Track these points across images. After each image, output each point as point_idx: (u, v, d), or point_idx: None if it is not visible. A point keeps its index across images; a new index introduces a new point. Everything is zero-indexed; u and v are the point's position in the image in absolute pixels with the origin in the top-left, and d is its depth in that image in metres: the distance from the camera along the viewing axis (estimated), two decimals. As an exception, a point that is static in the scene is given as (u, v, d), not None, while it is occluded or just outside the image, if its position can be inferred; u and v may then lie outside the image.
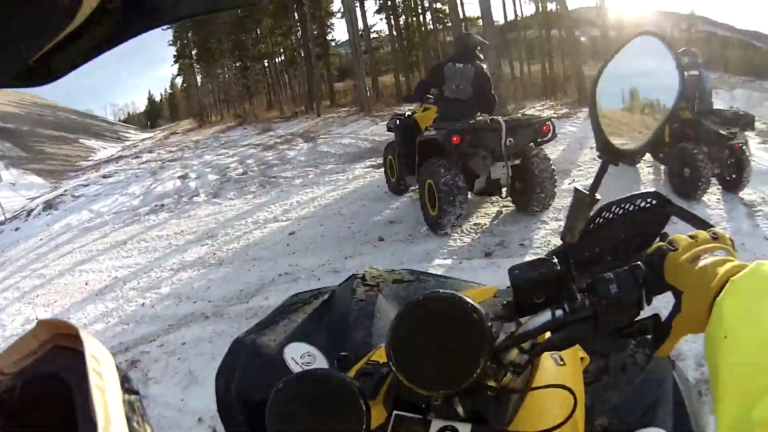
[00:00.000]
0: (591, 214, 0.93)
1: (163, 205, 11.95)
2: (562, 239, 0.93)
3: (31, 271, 11.13)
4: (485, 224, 6.87)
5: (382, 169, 9.08)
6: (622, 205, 1.01)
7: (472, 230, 6.65)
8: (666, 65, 0.94)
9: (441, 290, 0.84)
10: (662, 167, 8.90)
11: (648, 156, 9.14)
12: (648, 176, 9.18)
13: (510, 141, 6.20)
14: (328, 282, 4.99)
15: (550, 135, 6.58)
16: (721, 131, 7.56)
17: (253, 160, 14.78)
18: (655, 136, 0.94)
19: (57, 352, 0.42)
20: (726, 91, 13.45)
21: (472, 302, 0.79)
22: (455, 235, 6.48)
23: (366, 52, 27.48)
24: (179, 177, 14.98)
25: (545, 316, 0.83)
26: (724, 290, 0.68)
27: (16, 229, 17.83)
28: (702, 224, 0.90)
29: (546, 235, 6.17)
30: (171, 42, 36.12)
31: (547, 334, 0.86)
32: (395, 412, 0.84)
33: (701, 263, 0.75)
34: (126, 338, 5.84)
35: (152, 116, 73.28)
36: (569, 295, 0.85)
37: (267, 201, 9.72)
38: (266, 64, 33.65)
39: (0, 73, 0.35)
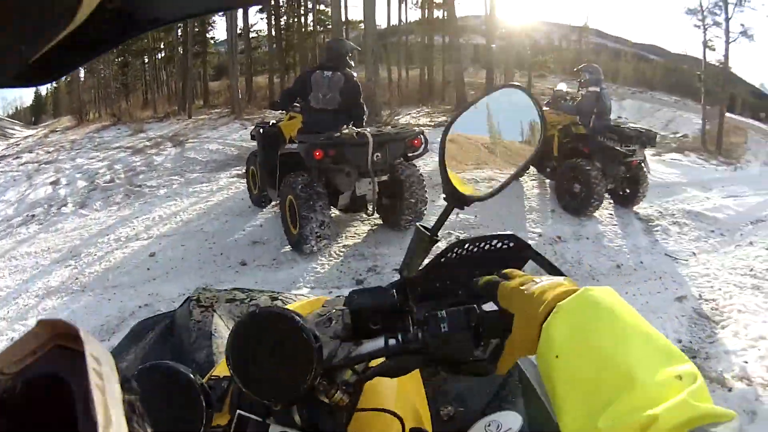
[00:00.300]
0: (445, 248, 0.99)
1: (34, 216, 11.23)
2: (399, 273, 1.00)
3: None
4: (356, 245, 6.65)
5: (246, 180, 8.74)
6: (478, 244, 1.02)
7: (342, 253, 6.42)
8: (529, 115, 1.07)
9: (270, 306, 0.94)
10: (548, 181, 8.85)
11: (533, 169, 8.99)
12: (532, 190, 9.04)
13: (377, 156, 6.01)
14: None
15: (421, 149, 6.45)
16: (617, 148, 7.53)
17: (120, 166, 14.24)
18: (506, 184, 1.04)
19: (57, 352, 0.41)
20: (615, 101, 14.50)
21: (296, 316, 0.83)
22: (323, 259, 6.24)
23: (242, 52, 27.32)
24: (51, 183, 14.22)
25: (379, 342, 0.86)
26: (551, 314, 0.71)
27: None
28: (555, 271, 0.93)
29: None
30: None
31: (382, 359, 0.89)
32: (238, 411, 0.90)
33: (532, 288, 0.78)
34: None
35: (37, 112, 68.91)
36: (404, 327, 0.91)
37: (130, 214, 9.36)
38: (146, 61, 32.64)
39: (0, 73, 0.37)
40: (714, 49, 19.01)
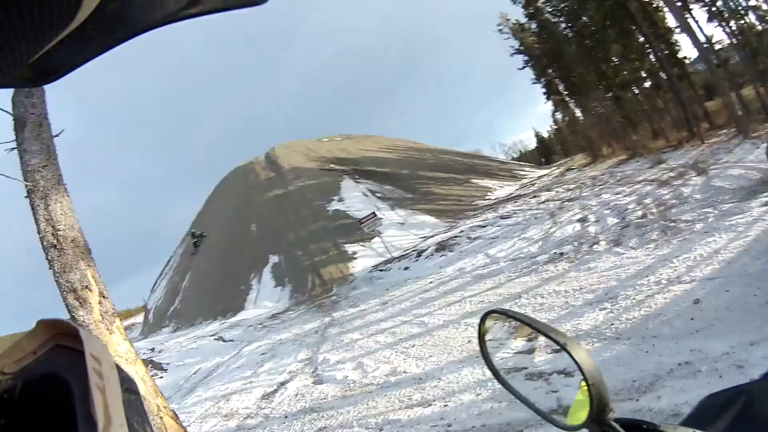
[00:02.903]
0: None
1: (562, 254, 11.59)
2: None
3: (413, 316, 11.88)
4: None
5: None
6: None
7: None
8: None
9: None
10: None
11: None
12: None
13: None
14: (729, 381, 4.30)
15: None
16: None
17: (650, 200, 13.87)
18: None
19: (57, 352, 0.43)
20: None
21: None
22: None
23: (719, 66, 25.15)
24: (578, 220, 14.60)
25: None
26: None
27: (405, 269, 19.60)
28: None
29: None
30: (534, 80, 37.28)
31: None
32: None
33: None
34: (487, 422, 5.59)
35: (545, 152, 75.03)
36: None
37: (669, 253, 8.84)
38: (636, 92, 32.32)
39: (0, 73, 0.36)
40: None
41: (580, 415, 0.95)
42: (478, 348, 1.34)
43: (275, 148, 46.96)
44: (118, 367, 0.44)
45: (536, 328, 1.06)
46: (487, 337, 1.27)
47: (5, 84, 0.40)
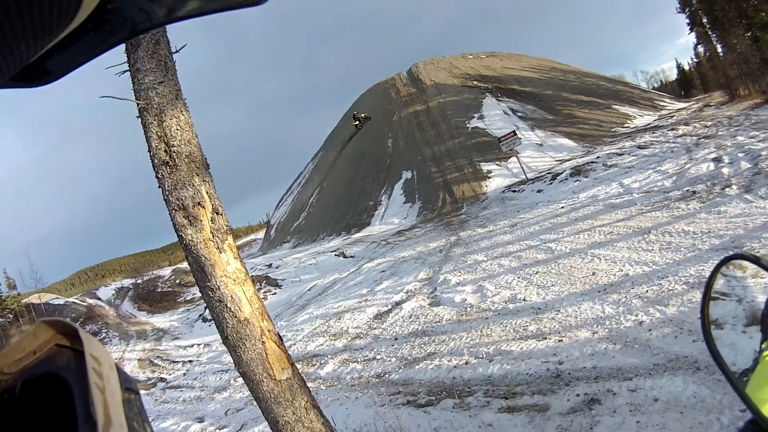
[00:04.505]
0: None
1: (695, 193, 11.29)
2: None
3: (540, 242, 12.00)
4: None
5: None
6: None
7: None
8: None
9: None
10: None
11: None
12: None
13: None
14: None
15: None
16: None
17: None
18: None
19: (57, 351, 0.42)
20: None
21: None
22: None
23: None
24: (713, 159, 13.98)
25: None
26: None
27: (538, 191, 19.64)
28: None
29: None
30: (678, 9, 34.91)
31: None
32: None
33: None
34: (599, 364, 5.68)
35: (685, 85, 71.26)
36: None
37: None
38: None
39: (0, 73, 0.37)
40: None
41: None
42: (702, 293, 1.20)
43: (418, 65, 46.82)
44: (117, 367, 0.45)
45: None
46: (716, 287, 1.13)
47: (5, 84, 0.40)
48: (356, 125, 44.02)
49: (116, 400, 0.41)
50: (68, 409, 0.39)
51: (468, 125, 33.11)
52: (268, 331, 4.10)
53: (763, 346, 0.98)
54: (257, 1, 0.44)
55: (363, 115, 43.99)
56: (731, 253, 1.25)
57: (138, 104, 3.98)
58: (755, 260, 1.01)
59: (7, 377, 0.43)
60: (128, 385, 0.45)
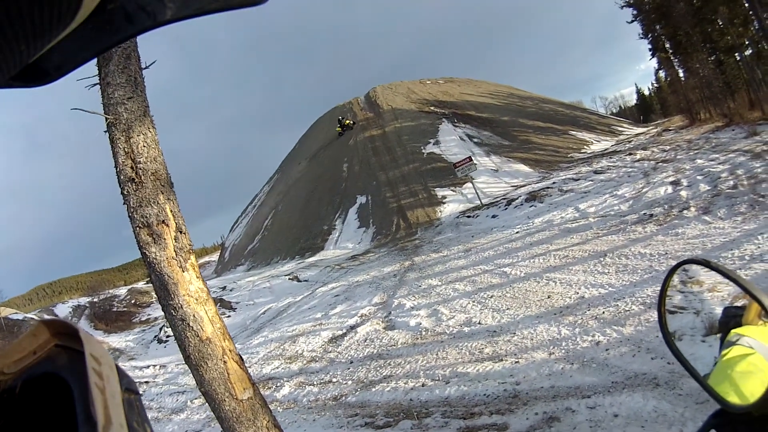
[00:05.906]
0: None
1: (652, 216, 11.45)
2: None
3: (495, 266, 12.04)
4: None
5: None
6: None
7: None
8: None
9: None
10: None
11: None
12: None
13: None
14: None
15: None
16: None
17: (742, 171, 13.31)
18: None
19: (57, 352, 0.42)
20: None
21: None
22: None
23: None
24: (671, 183, 14.27)
25: None
26: None
27: (493, 217, 19.77)
28: None
29: None
30: (641, 35, 35.71)
31: None
32: None
33: None
34: (556, 383, 5.64)
35: (644, 110, 73.31)
36: None
37: (755, 229, 8.63)
38: (738, 58, 30.55)
39: (0, 73, 0.36)
40: None
41: (751, 389, 0.88)
42: (657, 298, 1.24)
43: (376, 89, 47.52)
44: (117, 367, 0.44)
45: (744, 287, 0.95)
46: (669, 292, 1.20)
47: (5, 84, 0.39)
48: (339, 131, 44.03)
49: (116, 400, 0.40)
50: (68, 409, 0.39)
51: (424, 150, 33.64)
52: (230, 350, 4.16)
53: (723, 352, 1.01)
54: (257, 1, 0.44)
55: (347, 121, 44.09)
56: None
57: (107, 119, 4.03)
58: (706, 264, 1.06)
59: (7, 377, 0.42)
60: (128, 386, 0.44)
